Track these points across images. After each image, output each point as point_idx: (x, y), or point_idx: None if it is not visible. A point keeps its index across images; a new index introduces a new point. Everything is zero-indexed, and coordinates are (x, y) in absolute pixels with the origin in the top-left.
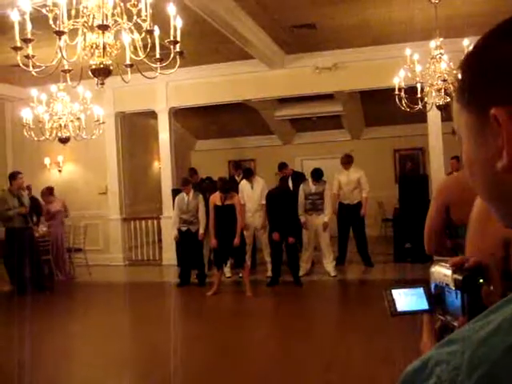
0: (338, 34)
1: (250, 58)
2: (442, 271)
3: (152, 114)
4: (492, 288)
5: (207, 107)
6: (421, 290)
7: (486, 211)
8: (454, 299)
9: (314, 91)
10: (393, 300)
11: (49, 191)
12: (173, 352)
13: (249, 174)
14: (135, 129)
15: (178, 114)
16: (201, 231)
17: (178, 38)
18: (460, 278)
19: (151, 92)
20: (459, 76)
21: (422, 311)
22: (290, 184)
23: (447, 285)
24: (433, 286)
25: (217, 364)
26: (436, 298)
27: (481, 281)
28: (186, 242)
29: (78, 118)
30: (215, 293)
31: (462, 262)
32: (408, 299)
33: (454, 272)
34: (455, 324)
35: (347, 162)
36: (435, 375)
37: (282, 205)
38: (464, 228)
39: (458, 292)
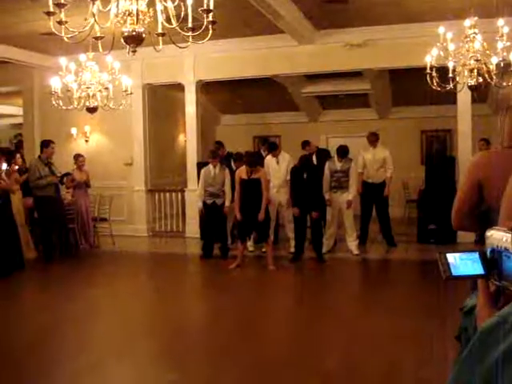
0: (370, 10)
1: (279, 33)
2: (499, 235)
3: (179, 87)
4: None
5: (234, 81)
6: (476, 255)
7: None
8: None
9: (343, 68)
10: (447, 264)
11: (81, 157)
12: (195, 322)
13: (273, 148)
14: (162, 101)
15: (204, 87)
16: (227, 204)
17: (212, 7)
18: None
19: (179, 64)
20: None
21: (477, 276)
22: (315, 161)
23: (506, 249)
24: (489, 250)
25: (239, 335)
26: (492, 262)
27: None
28: (211, 214)
29: (106, 88)
30: (238, 265)
31: None
32: (463, 263)
33: None
34: None
35: (374, 139)
36: None
37: (305, 179)
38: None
39: None
